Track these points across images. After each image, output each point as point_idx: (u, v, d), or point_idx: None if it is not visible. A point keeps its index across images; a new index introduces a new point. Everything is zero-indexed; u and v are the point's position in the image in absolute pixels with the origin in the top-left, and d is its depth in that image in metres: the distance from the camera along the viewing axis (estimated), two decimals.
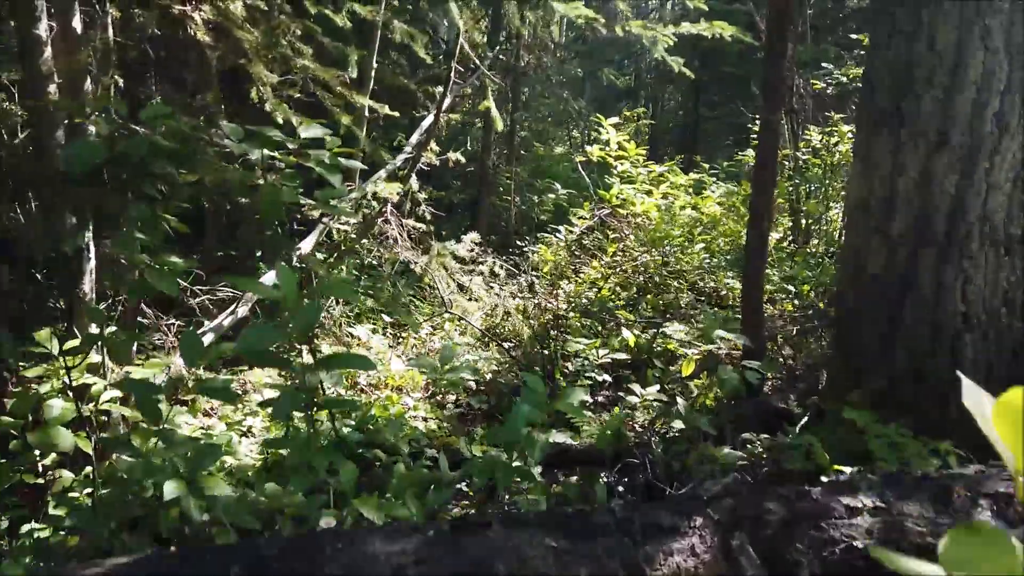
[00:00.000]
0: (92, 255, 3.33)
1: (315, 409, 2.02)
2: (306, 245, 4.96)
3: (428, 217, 5.50)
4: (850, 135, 8.78)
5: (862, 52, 10.01)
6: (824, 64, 9.00)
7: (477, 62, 5.54)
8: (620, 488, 3.30)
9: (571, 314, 6.05)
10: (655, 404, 3.78)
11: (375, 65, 5.49)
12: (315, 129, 3.06)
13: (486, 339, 4.90)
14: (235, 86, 5.68)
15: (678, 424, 3.39)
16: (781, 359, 4.47)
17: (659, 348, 5.17)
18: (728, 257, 8.20)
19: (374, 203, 4.97)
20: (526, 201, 8.78)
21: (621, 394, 4.73)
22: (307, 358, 2.06)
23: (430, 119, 5.77)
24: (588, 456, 3.59)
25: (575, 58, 9.14)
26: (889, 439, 2.55)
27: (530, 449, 2.20)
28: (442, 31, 11.12)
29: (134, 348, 3.55)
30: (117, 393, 3.06)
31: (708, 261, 7.67)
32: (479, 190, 8.54)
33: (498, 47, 7.84)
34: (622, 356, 4.01)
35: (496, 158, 8.53)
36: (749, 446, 3.23)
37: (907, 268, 2.86)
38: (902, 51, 2.83)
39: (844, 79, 8.44)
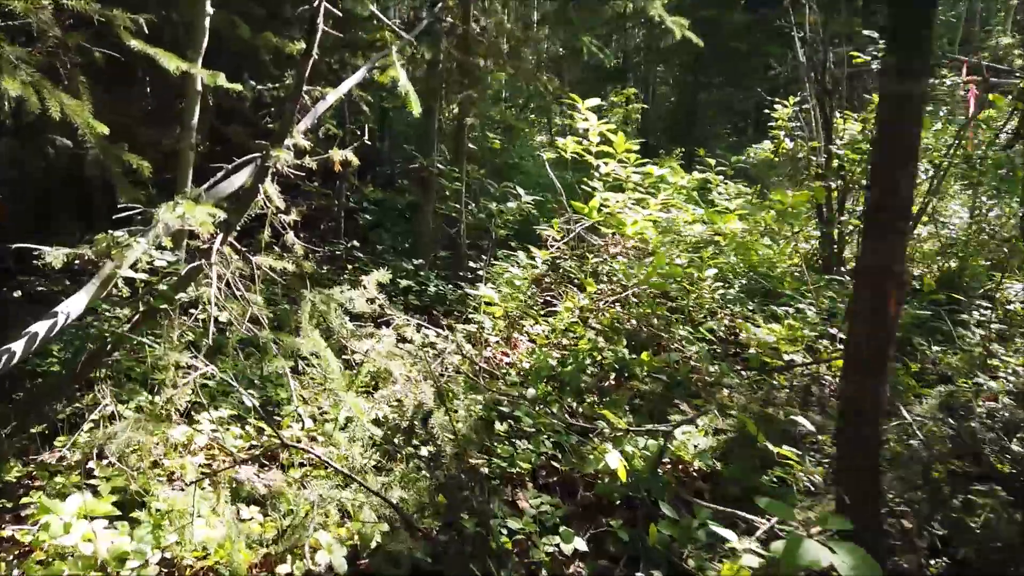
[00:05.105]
0: None
1: None
2: (72, 307, 2.93)
3: (300, 251, 3.46)
4: None
5: None
6: (866, 32, 6.99)
7: (377, 13, 3.49)
8: None
9: (530, 391, 4.07)
10: None
11: (210, 11, 3.45)
12: None
13: (373, 477, 2.90)
14: None
15: None
16: (896, 532, 2.48)
17: (668, 462, 3.22)
18: (744, 282, 6.22)
19: (188, 234, 2.95)
20: (483, 209, 6.74)
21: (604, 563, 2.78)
22: None
23: (326, 101, 3.74)
24: None
25: (546, 24, 7.10)
26: None
27: None
28: None
29: None
30: None
31: (722, 293, 5.69)
32: (419, 196, 6.50)
33: (440, 4, 5.78)
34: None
35: (442, 154, 6.49)
36: None
37: None
38: None
39: None
